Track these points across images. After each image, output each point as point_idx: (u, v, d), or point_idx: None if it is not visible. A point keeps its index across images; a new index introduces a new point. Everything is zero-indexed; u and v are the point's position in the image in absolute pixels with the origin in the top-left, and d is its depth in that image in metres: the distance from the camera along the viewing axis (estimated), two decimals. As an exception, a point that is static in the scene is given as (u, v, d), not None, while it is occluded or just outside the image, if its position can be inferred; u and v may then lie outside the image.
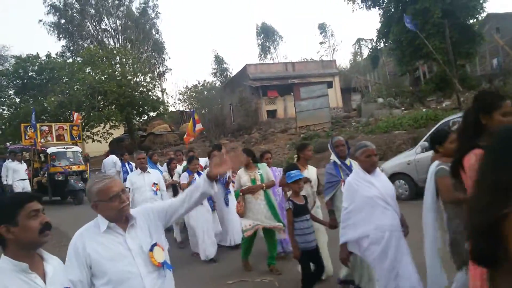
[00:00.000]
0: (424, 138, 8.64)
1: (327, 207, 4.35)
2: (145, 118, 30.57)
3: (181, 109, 41.51)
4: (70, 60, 33.57)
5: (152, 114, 29.71)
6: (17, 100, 29.42)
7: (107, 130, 26.50)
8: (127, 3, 39.39)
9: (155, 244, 2.21)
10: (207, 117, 29.60)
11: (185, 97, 42.38)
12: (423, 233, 3.40)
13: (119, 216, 2.17)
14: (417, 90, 23.04)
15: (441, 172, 3.19)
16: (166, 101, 30.69)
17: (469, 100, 16.66)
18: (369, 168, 3.44)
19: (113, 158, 13.34)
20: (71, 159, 15.06)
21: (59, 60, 30.97)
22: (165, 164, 8.35)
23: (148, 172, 6.25)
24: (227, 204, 6.70)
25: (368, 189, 3.37)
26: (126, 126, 29.87)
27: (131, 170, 9.64)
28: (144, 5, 40.55)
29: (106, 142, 27.34)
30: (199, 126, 12.25)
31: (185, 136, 12.71)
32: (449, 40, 14.90)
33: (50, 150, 14.71)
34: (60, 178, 14.00)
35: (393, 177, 8.61)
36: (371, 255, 3.36)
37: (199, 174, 6.39)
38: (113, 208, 2.13)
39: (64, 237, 8.97)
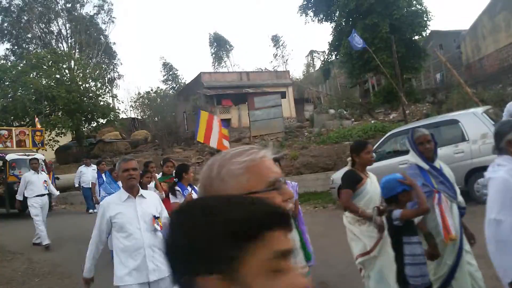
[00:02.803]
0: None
1: (422, 230, 3.12)
2: (94, 125, 29.53)
3: (132, 116, 40.60)
4: (13, 63, 31.83)
5: (102, 121, 28.75)
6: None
7: (53, 137, 25.37)
8: (78, 6, 38.11)
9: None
10: (160, 124, 29.13)
11: (137, 104, 41.56)
12: None
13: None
14: (366, 102, 23.86)
15: None
16: (117, 108, 29.89)
17: (414, 113, 17.45)
18: None
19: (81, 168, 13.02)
20: None
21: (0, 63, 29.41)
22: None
23: (141, 196, 3.54)
24: None
25: None
26: (73, 133, 28.72)
27: (112, 184, 7.19)
28: (98, 8, 39.42)
29: (52, 150, 26.13)
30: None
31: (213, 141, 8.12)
32: (396, 55, 15.56)
33: (9, 156, 13.31)
34: None
35: (343, 187, 8.79)
36: None
37: (192, 187, 5.16)
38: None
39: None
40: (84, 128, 29.12)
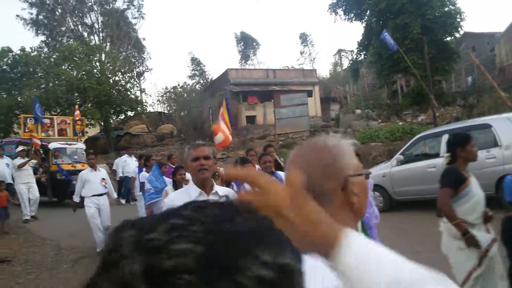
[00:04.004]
0: (400, 152, 8.78)
1: None
2: (122, 118, 30.11)
3: (159, 110, 41.14)
4: (46, 55, 32.70)
5: (130, 113, 29.30)
6: (-10, 93, 28.53)
7: (83, 128, 26.01)
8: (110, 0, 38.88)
9: None
10: (185, 119, 29.47)
11: (164, 98, 42.11)
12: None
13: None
14: (394, 103, 23.48)
15: None
16: (144, 101, 30.38)
17: (444, 116, 17.08)
18: None
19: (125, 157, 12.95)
20: (75, 157, 13.48)
21: (33, 54, 30.21)
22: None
23: (216, 194, 2.81)
24: None
25: None
26: (102, 125, 29.38)
27: (159, 178, 6.61)
28: (128, 3, 40.12)
29: (80, 140, 26.79)
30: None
31: (219, 139, 8.11)
32: (427, 56, 15.26)
33: (52, 145, 12.95)
34: (63, 177, 12.42)
35: (368, 188, 8.70)
36: None
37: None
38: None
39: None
40: (112, 120, 29.70)
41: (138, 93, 30.22)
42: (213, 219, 0.39)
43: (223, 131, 7.97)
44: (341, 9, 24.79)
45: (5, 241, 8.37)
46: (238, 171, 0.63)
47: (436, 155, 8.00)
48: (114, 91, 26.85)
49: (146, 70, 43.01)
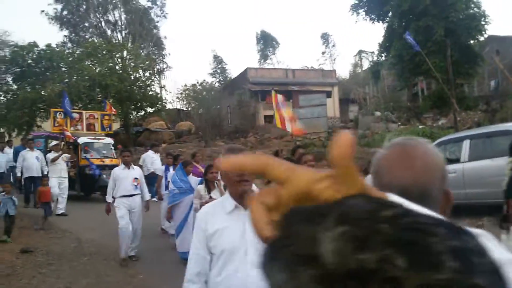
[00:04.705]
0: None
1: None
2: (142, 114, 30.51)
3: (178, 107, 41.45)
4: (70, 50, 33.30)
5: (149, 110, 29.67)
6: (15, 87, 29.24)
7: (103, 123, 26.44)
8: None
9: None
10: (204, 117, 29.68)
11: (183, 95, 42.40)
12: None
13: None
14: (415, 106, 23.21)
15: None
16: (164, 98, 30.73)
17: (465, 120, 16.82)
18: None
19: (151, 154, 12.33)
20: (104, 152, 13.44)
21: (58, 50, 30.79)
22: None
23: None
24: None
25: None
26: (122, 120, 29.81)
27: (183, 178, 6.43)
28: (151, 2, 40.55)
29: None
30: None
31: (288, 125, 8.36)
32: (449, 59, 15.04)
33: (81, 140, 13.02)
34: (91, 171, 12.33)
35: (386, 192, 8.63)
36: None
37: None
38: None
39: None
40: (132, 116, 30.10)
41: (158, 90, 30.60)
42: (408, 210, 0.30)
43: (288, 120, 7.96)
44: (363, 9, 24.63)
45: (28, 232, 8.59)
46: (234, 159, 0.39)
47: (457, 161, 7.91)
48: (135, 88, 27.23)
49: (167, 68, 43.41)
